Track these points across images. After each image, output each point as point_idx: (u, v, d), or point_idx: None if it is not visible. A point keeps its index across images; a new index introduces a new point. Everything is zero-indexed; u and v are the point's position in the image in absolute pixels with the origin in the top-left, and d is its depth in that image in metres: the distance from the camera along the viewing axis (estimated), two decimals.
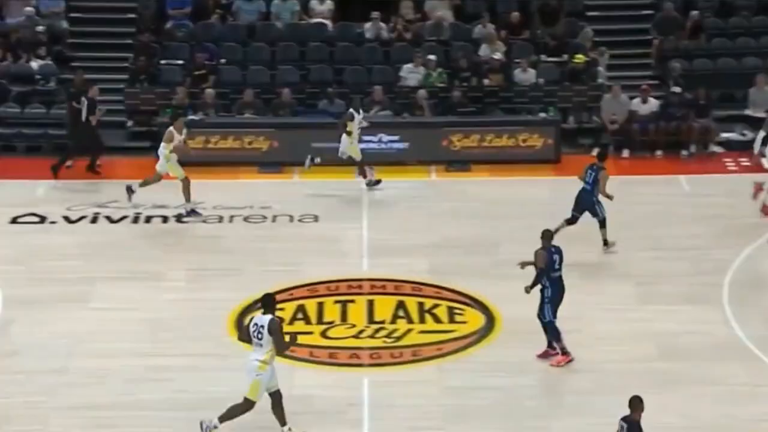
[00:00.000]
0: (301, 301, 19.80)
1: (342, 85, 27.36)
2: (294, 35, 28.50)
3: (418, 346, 18.61)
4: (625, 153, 25.92)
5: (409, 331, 19.05)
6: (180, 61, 27.74)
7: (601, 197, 21.13)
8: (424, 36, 28.43)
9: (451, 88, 26.77)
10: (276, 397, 15.87)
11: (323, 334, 18.89)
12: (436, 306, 19.76)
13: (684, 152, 25.73)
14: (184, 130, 23.27)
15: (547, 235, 17.97)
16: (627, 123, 26.06)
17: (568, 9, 28.81)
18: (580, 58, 27.21)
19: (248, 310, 19.09)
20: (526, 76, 27.21)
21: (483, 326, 19.13)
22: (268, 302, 15.89)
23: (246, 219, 23.26)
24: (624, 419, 14.50)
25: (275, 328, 15.61)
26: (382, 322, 19.22)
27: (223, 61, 27.88)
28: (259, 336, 15.58)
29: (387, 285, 20.40)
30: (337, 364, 18.09)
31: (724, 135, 26.18)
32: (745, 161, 25.27)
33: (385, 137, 25.79)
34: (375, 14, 28.41)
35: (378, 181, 24.45)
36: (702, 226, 22.40)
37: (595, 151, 23.79)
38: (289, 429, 15.99)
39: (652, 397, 16.96)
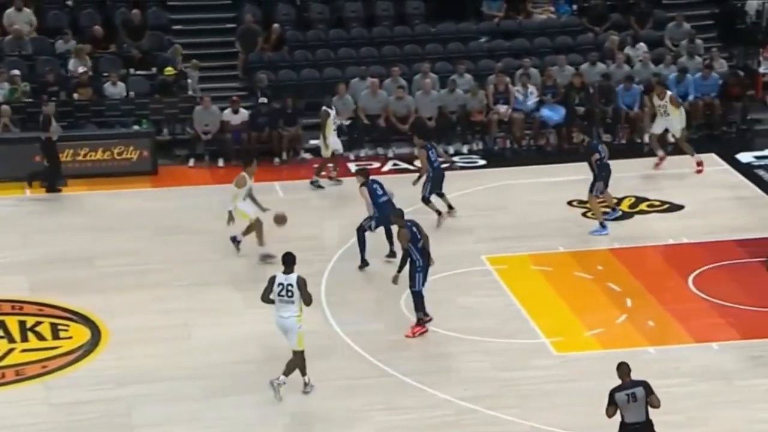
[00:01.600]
0: None
1: None
2: None
3: (21, 365, 18.29)
4: (221, 162, 26.32)
5: (11, 350, 18.68)
6: None
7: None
8: (6, 50, 27.83)
9: (39, 103, 26.30)
10: None
11: None
12: (38, 323, 19.44)
13: (276, 160, 26.39)
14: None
15: (400, 213, 19.23)
16: (220, 133, 26.48)
17: (152, 23, 28.93)
18: (169, 70, 27.40)
19: None
20: (116, 89, 27.11)
21: (89, 340, 19.01)
22: (290, 260, 17.17)
23: None
24: (635, 384, 14.88)
25: (303, 284, 17.06)
26: None
27: None
28: (289, 294, 17.05)
29: None
30: None
31: (312, 142, 26.79)
32: (331, 165, 25.98)
33: None
34: None
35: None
36: (299, 230, 22.59)
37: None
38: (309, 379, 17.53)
39: (261, 396, 17.58)
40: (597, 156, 22.56)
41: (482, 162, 25.90)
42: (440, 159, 22.78)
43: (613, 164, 23.16)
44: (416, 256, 19.02)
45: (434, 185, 22.55)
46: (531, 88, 27.21)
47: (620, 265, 21.40)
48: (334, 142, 25.06)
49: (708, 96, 27.49)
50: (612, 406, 14.99)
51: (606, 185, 22.67)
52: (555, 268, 21.32)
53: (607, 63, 28.08)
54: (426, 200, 22.54)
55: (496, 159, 26.43)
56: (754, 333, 18.94)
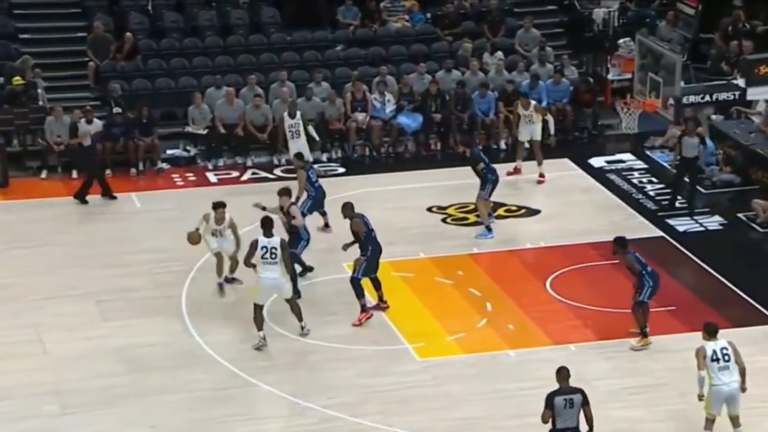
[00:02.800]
0: None
1: None
2: None
3: None
4: (75, 174, 25.87)
5: None
6: None
7: None
8: None
9: None
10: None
11: None
12: None
13: (133, 170, 26.05)
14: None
15: (350, 206, 19.93)
16: (73, 144, 26.03)
17: None
18: (18, 80, 26.87)
19: None
20: None
21: None
22: (268, 224, 18.79)
23: None
24: (574, 390, 15.19)
25: (285, 245, 18.86)
26: None
27: None
28: (273, 256, 18.61)
29: None
30: None
31: (170, 152, 26.72)
32: (191, 176, 26.02)
33: None
34: None
35: None
36: (158, 240, 22.79)
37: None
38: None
39: (120, 411, 17.39)
40: (482, 165, 22.77)
41: (341, 170, 25.99)
42: (318, 179, 22.86)
43: (469, 170, 23.37)
44: (369, 246, 19.61)
45: (315, 204, 22.55)
46: (388, 96, 27.36)
47: (480, 270, 21.66)
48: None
49: (560, 102, 27.95)
50: (548, 410, 15.16)
51: (493, 190, 22.92)
52: (416, 274, 21.49)
53: (462, 70, 28.37)
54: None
55: (355, 166, 26.51)
56: (609, 334, 19.32)
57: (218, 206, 20.65)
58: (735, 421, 16.29)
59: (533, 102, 25.86)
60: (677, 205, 24.16)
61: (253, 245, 18.82)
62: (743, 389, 16.22)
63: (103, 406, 17.61)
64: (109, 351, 19.03)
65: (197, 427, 17.16)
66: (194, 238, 20.56)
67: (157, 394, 17.86)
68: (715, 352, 16.10)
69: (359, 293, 19.77)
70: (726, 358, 16.12)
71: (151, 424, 17.19)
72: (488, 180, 22.78)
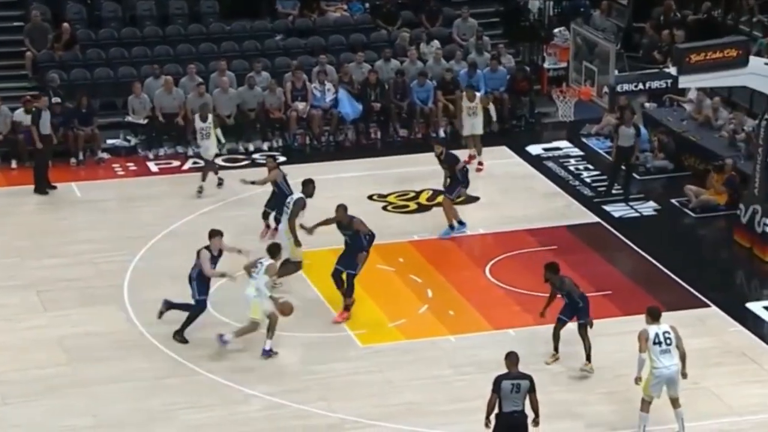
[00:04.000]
0: None
1: None
2: None
3: None
4: (14, 164, 25.81)
5: None
6: None
7: None
8: None
9: None
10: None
11: None
12: None
13: (73, 160, 26.00)
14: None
15: (345, 208, 19.86)
16: (12, 134, 25.94)
17: None
18: None
19: None
20: None
21: None
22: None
23: None
24: (522, 376, 15.45)
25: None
26: None
27: None
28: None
29: None
30: None
31: (110, 141, 26.72)
32: (131, 165, 26.03)
33: None
34: None
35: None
36: (100, 230, 22.85)
37: None
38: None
39: (62, 401, 17.43)
40: (461, 164, 22.91)
41: (282, 158, 26.11)
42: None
43: (410, 158, 23.62)
44: (365, 242, 19.59)
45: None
46: (328, 85, 27.50)
47: (421, 257, 21.89)
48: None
49: (497, 91, 28.23)
50: (495, 393, 15.39)
51: (462, 192, 23.03)
52: None
53: (400, 60, 28.58)
54: (266, 214, 22.50)
55: (296, 155, 26.60)
56: (547, 319, 19.59)
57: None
58: (675, 402, 16.66)
59: (479, 94, 26.12)
60: (613, 192, 24.56)
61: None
62: (684, 375, 16.57)
63: (44, 395, 17.66)
64: (51, 341, 19.07)
65: (140, 416, 17.25)
66: (287, 308, 18.96)
67: (99, 384, 17.93)
68: (657, 335, 16.42)
69: (351, 291, 19.75)
70: (668, 341, 16.44)
71: (93, 413, 17.27)
72: (461, 183, 22.75)
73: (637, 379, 16.55)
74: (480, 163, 25.70)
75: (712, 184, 23.84)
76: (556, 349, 18.55)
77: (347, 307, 19.81)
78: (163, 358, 18.63)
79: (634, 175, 25.01)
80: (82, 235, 22.66)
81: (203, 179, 24.47)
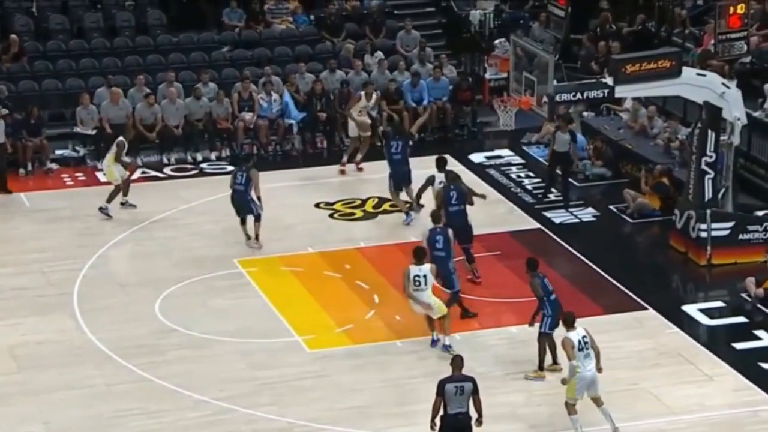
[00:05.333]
0: None
1: None
2: None
3: None
4: None
5: None
6: None
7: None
8: None
9: None
10: None
11: None
12: None
13: (22, 171, 26.10)
14: None
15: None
16: None
17: None
18: None
19: None
20: None
21: None
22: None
23: None
24: (465, 379, 15.81)
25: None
26: None
27: None
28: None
29: None
30: None
31: (59, 152, 26.82)
32: (80, 176, 26.17)
33: None
34: None
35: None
36: (49, 240, 22.99)
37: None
38: None
39: (13, 409, 17.50)
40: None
41: (230, 168, 26.21)
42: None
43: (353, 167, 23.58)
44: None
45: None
46: (274, 96, 27.78)
47: (367, 264, 22.12)
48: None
49: (440, 100, 28.60)
50: (439, 396, 15.66)
51: (392, 183, 23.71)
52: (305, 268, 21.86)
53: (345, 71, 28.92)
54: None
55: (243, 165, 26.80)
56: (492, 323, 19.96)
57: None
58: (598, 401, 17.03)
59: (376, 95, 26.60)
60: (552, 197, 24.99)
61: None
62: (599, 370, 16.97)
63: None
64: (1, 349, 19.10)
65: (91, 423, 17.34)
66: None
67: (49, 392, 17.99)
68: (579, 341, 16.82)
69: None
70: (587, 346, 16.87)
71: (45, 420, 17.34)
72: (393, 174, 23.62)
73: (564, 381, 16.97)
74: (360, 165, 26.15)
75: (645, 187, 24.33)
76: (554, 360, 18.63)
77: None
78: (113, 366, 18.72)
79: (573, 181, 25.37)
80: (32, 245, 22.75)
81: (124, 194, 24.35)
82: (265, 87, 27.85)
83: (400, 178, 23.74)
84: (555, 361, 18.53)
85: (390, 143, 23.82)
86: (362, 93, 26.48)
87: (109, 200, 23.94)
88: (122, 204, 24.18)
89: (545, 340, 18.45)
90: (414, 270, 18.99)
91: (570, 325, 16.99)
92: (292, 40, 30.30)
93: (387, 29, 30.80)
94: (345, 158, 26.26)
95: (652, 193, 24.16)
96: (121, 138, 24.29)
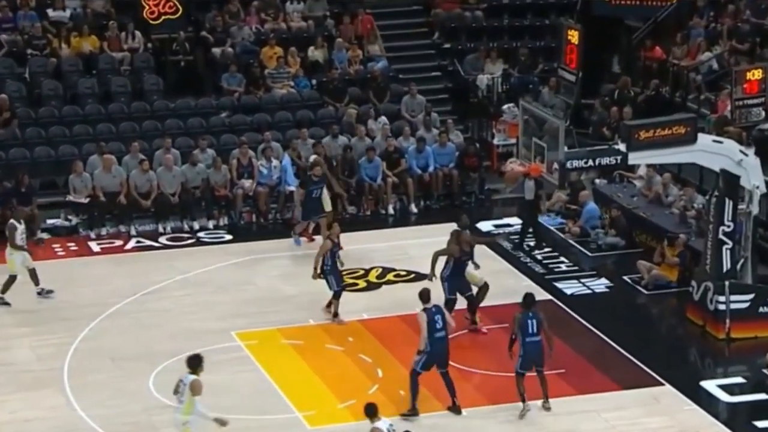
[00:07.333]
0: None
1: None
2: None
3: None
4: None
5: None
6: None
7: None
8: None
9: None
10: None
11: None
12: None
13: None
14: None
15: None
16: None
17: None
18: None
19: None
20: None
21: None
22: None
23: None
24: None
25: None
26: None
27: None
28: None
29: None
30: None
31: (50, 221, 26.32)
32: (72, 245, 25.60)
33: None
34: None
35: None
36: (41, 312, 22.40)
37: None
38: None
39: None
40: None
41: (228, 237, 25.76)
42: None
43: (359, 236, 23.28)
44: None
45: None
46: (274, 162, 27.23)
47: (370, 336, 21.60)
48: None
49: (446, 167, 28.08)
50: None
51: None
52: (306, 341, 21.39)
53: (347, 136, 28.38)
54: None
55: (242, 233, 26.31)
56: (501, 398, 19.31)
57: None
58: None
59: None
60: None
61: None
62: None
63: None
64: None
65: None
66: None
67: None
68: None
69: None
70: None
71: None
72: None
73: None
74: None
75: (664, 256, 23.69)
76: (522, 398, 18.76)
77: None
78: None
79: (586, 251, 25.07)
80: (20, 318, 22.22)
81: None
82: (265, 153, 27.29)
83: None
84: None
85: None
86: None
87: (4, 290, 22.87)
88: (39, 294, 23.06)
89: (520, 377, 18.61)
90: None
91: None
92: (293, 105, 29.83)
93: (391, 93, 30.33)
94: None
95: (674, 264, 23.50)
96: (11, 221, 23.00)
